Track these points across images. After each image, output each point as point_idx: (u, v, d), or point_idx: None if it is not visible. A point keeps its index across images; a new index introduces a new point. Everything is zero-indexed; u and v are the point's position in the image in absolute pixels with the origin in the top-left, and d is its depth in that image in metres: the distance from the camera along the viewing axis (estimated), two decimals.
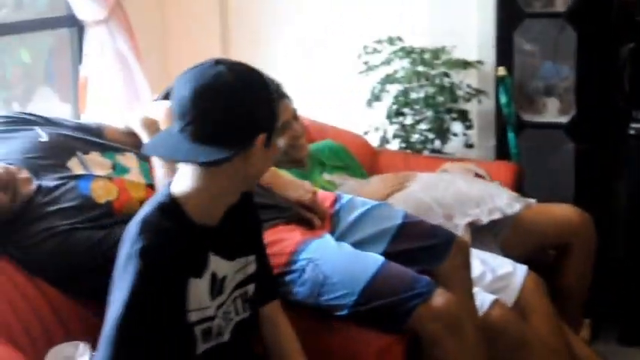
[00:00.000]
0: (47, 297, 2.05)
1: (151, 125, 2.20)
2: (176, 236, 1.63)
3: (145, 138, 2.14)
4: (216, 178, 1.64)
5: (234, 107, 1.61)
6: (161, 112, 2.27)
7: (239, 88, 1.63)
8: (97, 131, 2.24)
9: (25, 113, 2.30)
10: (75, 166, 2.05)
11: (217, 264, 1.71)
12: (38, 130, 2.13)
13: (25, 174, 1.94)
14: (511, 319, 2.52)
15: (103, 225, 2.01)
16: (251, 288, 1.80)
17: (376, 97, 3.39)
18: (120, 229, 1.85)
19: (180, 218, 1.65)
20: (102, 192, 2.09)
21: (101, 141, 2.20)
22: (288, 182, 2.48)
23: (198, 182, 1.63)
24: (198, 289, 1.64)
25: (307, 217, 2.38)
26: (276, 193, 2.41)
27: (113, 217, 2.03)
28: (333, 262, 2.29)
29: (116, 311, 1.57)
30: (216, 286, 1.70)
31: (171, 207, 1.65)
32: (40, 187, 1.99)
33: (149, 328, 1.61)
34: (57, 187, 2.01)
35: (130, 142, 2.19)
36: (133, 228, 1.64)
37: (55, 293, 2.08)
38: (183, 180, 1.64)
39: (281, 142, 2.59)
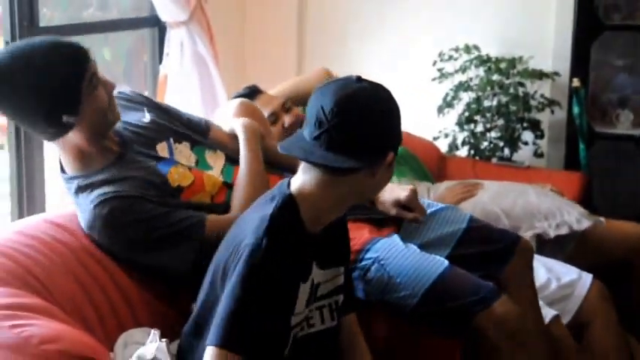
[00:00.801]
0: (114, 278, 2.06)
1: (254, 132, 2.25)
2: (295, 239, 1.65)
3: (242, 142, 2.16)
4: (338, 187, 1.65)
5: (372, 123, 1.63)
6: (232, 108, 2.35)
7: (379, 106, 1.65)
8: (203, 127, 2.27)
9: (140, 95, 2.36)
10: (162, 149, 2.09)
11: (316, 272, 1.72)
12: (145, 111, 2.19)
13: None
14: (567, 335, 2.50)
15: (167, 203, 2.03)
16: (340, 298, 1.80)
17: (448, 104, 3.38)
18: (180, 213, 1.98)
19: (296, 221, 1.66)
20: (177, 177, 2.10)
21: (197, 137, 2.24)
22: (393, 188, 2.43)
23: (320, 189, 1.64)
24: (304, 294, 1.67)
25: (409, 216, 2.32)
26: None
27: (179, 200, 2.06)
28: (398, 262, 2.25)
29: (232, 299, 1.59)
30: (313, 293, 1.72)
31: (292, 209, 1.65)
32: (124, 156, 2.04)
33: (261, 323, 1.63)
34: (139, 161, 2.05)
35: (231, 145, 2.21)
36: (256, 222, 1.65)
37: (121, 274, 2.08)
38: (303, 186, 1.65)
39: None
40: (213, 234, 1.94)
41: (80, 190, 2.00)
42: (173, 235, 2.04)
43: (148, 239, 2.03)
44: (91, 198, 1.96)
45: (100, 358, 1.76)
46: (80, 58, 1.87)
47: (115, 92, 2.15)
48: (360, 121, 1.63)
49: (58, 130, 1.93)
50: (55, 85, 1.86)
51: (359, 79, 1.67)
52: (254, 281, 1.58)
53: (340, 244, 1.85)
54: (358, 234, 2.24)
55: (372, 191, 1.86)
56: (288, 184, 1.67)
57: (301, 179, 1.64)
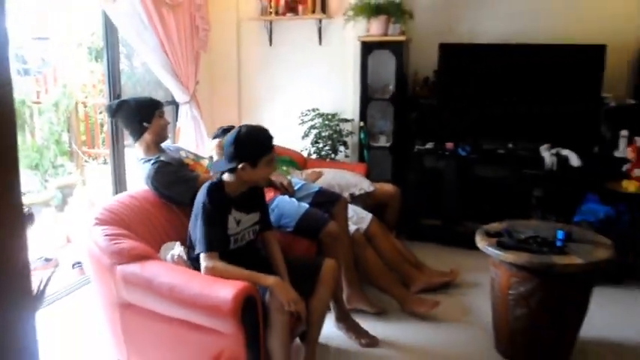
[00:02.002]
0: (163, 216, 3.07)
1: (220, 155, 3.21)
2: (220, 197, 2.57)
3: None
4: (238, 177, 2.62)
5: (245, 144, 2.57)
6: (213, 145, 3.43)
7: (249, 137, 2.58)
8: (197, 155, 3.44)
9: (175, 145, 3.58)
10: (183, 158, 3.28)
11: (237, 214, 2.63)
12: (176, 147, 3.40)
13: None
14: (380, 230, 3.73)
15: (182, 169, 3.11)
16: (256, 227, 2.75)
17: (306, 135, 5.05)
18: (187, 173, 3.09)
19: (221, 190, 2.60)
20: (189, 162, 3.27)
21: (196, 155, 3.42)
22: (279, 175, 3.47)
23: (231, 178, 2.63)
24: (232, 222, 2.63)
25: (283, 189, 3.38)
26: (273, 178, 3.39)
27: (187, 169, 3.14)
28: (286, 206, 3.25)
29: (201, 226, 2.54)
30: (237, 222, 2.65)
31: (219, 185, 2.61)
32: (164, 151, 3.18)
33: (216, 233, 2.57)
34: (173, 157, 3.18)
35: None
36: (204, 190, 2.58)
37: (165, 214, 3.09)
38: (227, 177, 2.63)
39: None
40: (200, 185, 2.79)
41: (145, 162, 3.06)
42: (183, 180, 3.02)
43: (172, 180, 3.00)
44: (150, 164, 3.02)
45: (152, 255, 2.69)
46: (156, 103, 3.16)
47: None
48: (239, 144, 2.55)
49: (140, 131, 3.13)
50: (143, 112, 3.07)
51: (242, 126, 2.58)
52: (206, 215, 2.53)
53: (255, 200, 2.78)
54: (268, 194, 3.21)
55: (259, 178, 2.70)
56: (221, 174, 2.63)
57: (226, 174, 2.63)
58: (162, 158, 3.10)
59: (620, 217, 4.20)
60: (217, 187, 2.60)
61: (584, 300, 3.20)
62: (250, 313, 2.38)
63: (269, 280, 2.49)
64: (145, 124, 3.10)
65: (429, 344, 3.37)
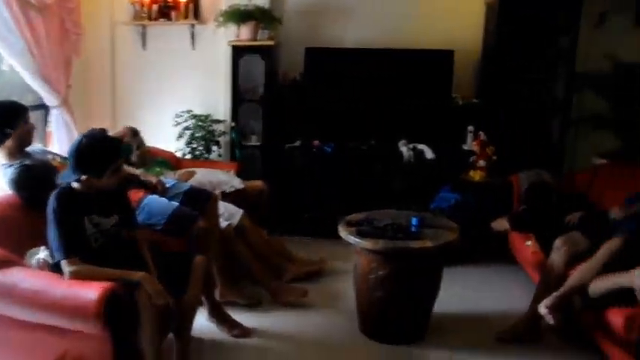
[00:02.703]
0: (27, 221, 2.88)
1: None
2: (71, 202, 2.48)
3: None
4: (85, 185, 2.55)
5: (84, 159, 2.48)
6: None
7: (87, 150, 2.48)
8: (65, 157, 3.20)
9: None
10: (50, 160, 3.18)
11: (94, 217, 2.54)
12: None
13: None
14: (250, 224, 3.78)
15: (52, 174, 2.86)
16: (116, 228, 2.65)
17: (181, 136, 5.02)
18: (55, 182, 2.71)
19: (74, 194, 2.51)
20: (56, 164, 3.14)
21: (64, 157, 3.17)
22: (148, 175, 3.52)
23: (80, 185, 2.55)
24: (88, 223, 2.54)
25: (153, 188, 3.40)
26: (143, 178, 3.42)
27: (56, 173, 2.84)
28: (155, 205, 3.26)
29: (55, 233, 2.43)
30: (94, 225, 2.56)
31: (70, 190, 2.53)
32: (28, 156, 3.08)
33: (72, 236, 2.43)
34: (39, 160, 3.10)
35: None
36: (52, 197, 2.44)
37: (27, 219, 2.87)
38: (75, 183, 2.54)
39: (134, 157, 3.72)
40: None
41: (8, 167, 2.91)
42: (48, 184, 2.74)
43: (35, 184, 2.87)
44: (13, 168, 2.90)
45: (16, 261, 2.57)
46: (20, 109, 2.99)
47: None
48: (80, 156, 2.46)
49: (3, 137, 2.94)
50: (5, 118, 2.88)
51: (84, 134, 2.47)
52: (58, 222, 2.41)
53: (115, 201, 2.66)
54: (137, 194, 3.23)
55: (107, 186, 2.59)
56: (73, 180, 2.49)
57: (74, 182, 2.53)
58: (26, 162, 2.97)
59: (468, 203, 4.45)
60: (67, 192, 2.49)
61: (437, 279, 3.37)
62: (118, 313, 2.30)
63: (137, 274, 2.42)
64: (7, 130, 2.93)
65: (301, 331, 3.40)
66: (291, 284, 3.83)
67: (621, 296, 2.77)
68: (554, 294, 2.98)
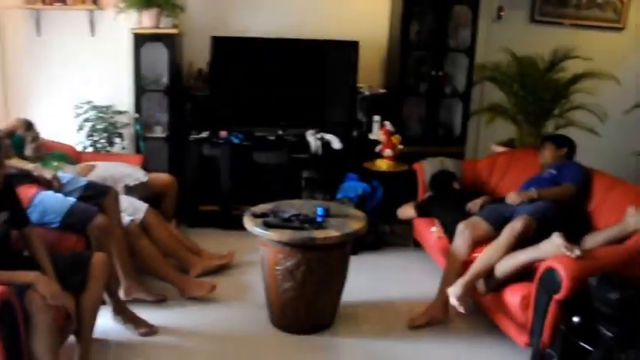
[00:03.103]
0: None
1: None
2: None
3: None
4: None
5: None
6: None
7: None
8: None
9: None
10: None
11: None
12: None
13: None
14: (156, 219, 3.65)
15: None
16: (5, 225, 2.51)
17: (81, 128, 4.75)
18: None
19: None
20: None
21: None
22: (43, 170, 3.30)
23: None
24: None
25: (47, 184, 3.22)
26: (36, 173, 3.19)
27: None
28: (49, 201, 3.04)
29: None
30: None
31: None
32: None
33: None
34: None
35: None
36: None
37: None
38: None
39: (29, 151, 3.49)
40: None
41: None
42: None
43: None
44: None
45: None
46: None
47: None
48: None
49: None
50: None
51: None
52: None
53: (4, 200, 2.51)
54: (29, 190, 3.05)
55: None
56: None
57: None
58: None
59: (375, 191, 4.51)
60: None
61: (343, 268, 3.38)
62: (6, 319, 2.15)
63: (29, 276, 2.27)
64: None
65: (210, 326, 3.35)
66: (200, 279, 3.76)
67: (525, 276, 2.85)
68: (461, 280, 3.05)
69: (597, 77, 4.53)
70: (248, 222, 3.21)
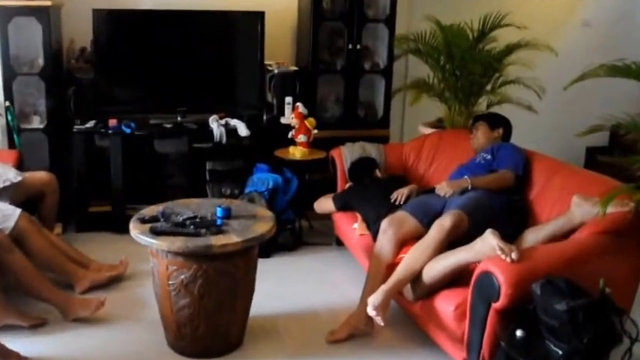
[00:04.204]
0: None
1: None
2: None
3: None
4: None
5: None
6: None
7: None
8: None
9: None
10: None
11: None
12: None
13: None
14: (32, 227, 3.39)
15: None
16: None
17: None
18: None
19: None
20: None
21: None
22: None
23: None
24: None
25: None
26: None
27: None
28: None
29: None
30: None
31: None
32: None
33: None
34: None
35: None
36: None
37: None
38: None
39: None
40: None
41: None
42: None
43: None
44: None
45: None
46: None
47: None
48: None
49: None
50: None
51: None
52: None
53: None
54: None
55: None
56: None
57: None
58: None
59: (288, 183, 4.35)
60: None
61: (250, 277, 3.14)
62: None
63: None
64: None
65: (99, 351, 3.07)
66: (86, 295, 3.49)
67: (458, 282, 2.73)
68: (382, 288, 2.89)
69: (533, 48, 4.46)
70: (134, 229, 2.95)
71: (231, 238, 2.92)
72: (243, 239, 2.93)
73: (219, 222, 3.05)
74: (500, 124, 3.71)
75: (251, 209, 3.38)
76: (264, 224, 3.12)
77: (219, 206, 3.15)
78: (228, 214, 3.13)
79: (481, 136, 3.69)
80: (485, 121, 3.74)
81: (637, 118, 2.84)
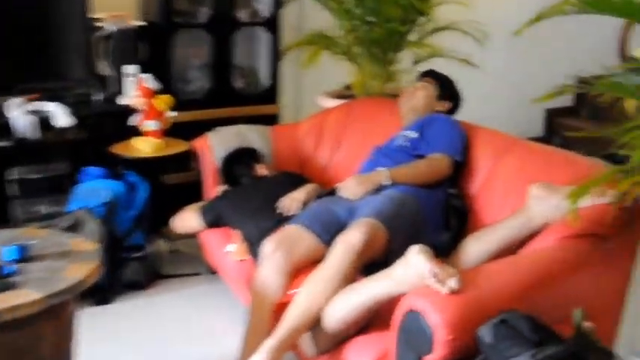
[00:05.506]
0: None
1: None
2: None
3: None
4: None
5: None
6: None
7: None
8: None
9: None
10: None
11: None
12: None
13: None
14: None
15: None
16: None
17: None
18: None
19: None
20: None
21: None
22: None
23: None
24: None
25: None
26: None
27: None
28: None
29: None
30: None
31: None
32: None
33: None
34: None
35: None
36: None
37: None
38: None
39: None
40: None
41: None
42: None
43: None
44: None
45: None
46: None
47: None
48: None
49: None
50: None
51: None
52: None
53: None
54: None
55: None
56: None
57: None
58: None
59: (134, 192, 4.19)
60: None
61: (63, 350, 2.88)
62: None
63: None
64: None
65: None
66: None
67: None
68: (268, 344, 2.72)
69: None
70: None
71: (27, 295, 2.65)
72: (46, 294, 2.66)
73: (8, 270, 2.80)
74: (452, 98, 3.75)
75: (64, 242, 3.11)
76: (81, 265, 2.85)
77: (11, 246, 2.88)
78: (25, 256, 2.89)
79: (422, 97, 3.69)
80: (437, 83, 3.74)
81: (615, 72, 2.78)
